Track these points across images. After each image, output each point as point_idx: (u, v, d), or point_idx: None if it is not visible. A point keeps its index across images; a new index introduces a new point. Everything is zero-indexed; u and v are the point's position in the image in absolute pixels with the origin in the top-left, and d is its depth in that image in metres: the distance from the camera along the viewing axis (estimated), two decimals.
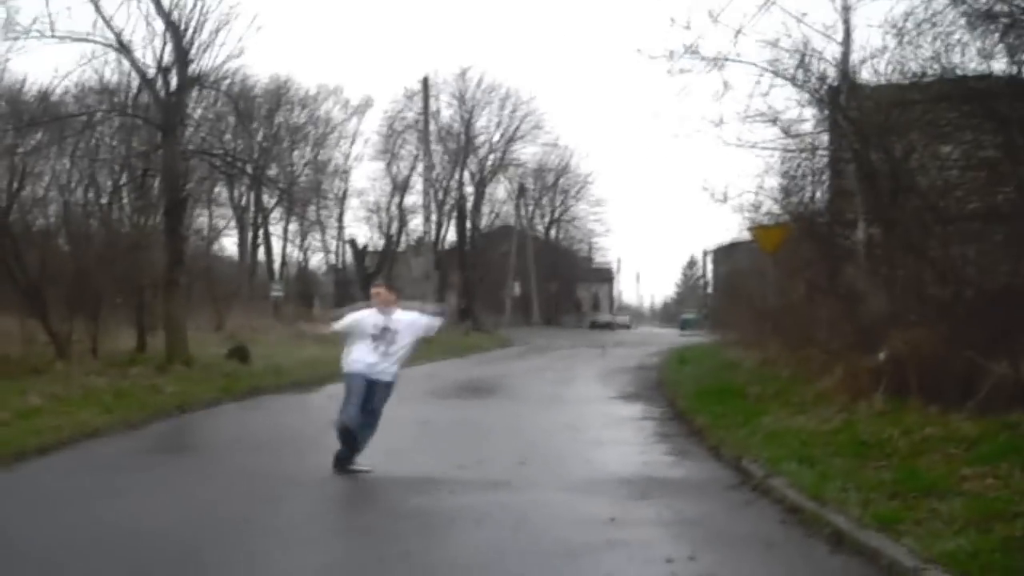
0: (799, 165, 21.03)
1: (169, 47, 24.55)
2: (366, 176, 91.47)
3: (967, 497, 8.30)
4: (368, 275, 57.94)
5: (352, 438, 11.29)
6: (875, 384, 13.71)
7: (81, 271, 23.42)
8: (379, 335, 11.56)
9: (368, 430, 11.46)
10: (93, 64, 26.44)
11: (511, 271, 77.50)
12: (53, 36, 23.15)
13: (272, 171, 49.75)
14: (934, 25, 14.64)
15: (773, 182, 22.49)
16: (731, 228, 76.09)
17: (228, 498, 10.05)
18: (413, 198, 69.23)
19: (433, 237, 63.67)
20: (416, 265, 51.70)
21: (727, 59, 17.68)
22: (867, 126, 16.62)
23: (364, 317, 11.84)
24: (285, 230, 69.36)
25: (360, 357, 11.50)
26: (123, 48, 24.40)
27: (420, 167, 64.04)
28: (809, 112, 19.41)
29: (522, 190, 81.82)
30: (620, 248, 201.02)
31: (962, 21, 14.29)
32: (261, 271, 66.25)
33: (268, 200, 62.33)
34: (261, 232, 67.20)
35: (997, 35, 14.02)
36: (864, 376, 14.23)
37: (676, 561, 7.24)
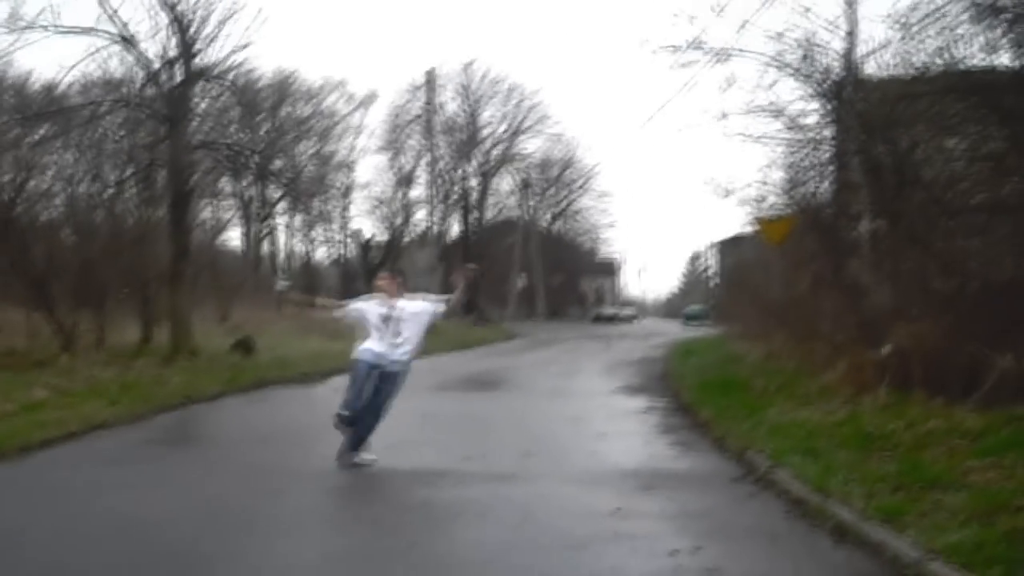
0: (804, 158, 20.99)
1: (174, 40, 24.61)
2: (371, 169, 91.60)
3: (971, 490, 8.31)
4: (373, 268, 57.95)
5: (351, 423, 11.29)
6: (879, 377, 13.72)
7: (87, 263, 23.46)
8: (384, 323, 11.57)
9: (374, 420, 11.46)
10: (98, 57, 26.31)
11: (516, 264, 77.52)
12: (58, 29, 23.25)
13: (277, 164, 49.70)
14: (939, 18, 14.62)
15: (778, 175, 22.45)
16: (736, 221, 76.15)
17: (233, 490, 10.08)
18: (418, 191, 69.26)
19: (438, 230, 63.82)
20: (421, 258, 51.83)
21: (732, 52, 17.71)
22: (872, 119, 16.61)
23: (368, 305, 11.87)
24: (290, 222, 69.56)
25: (368, 346, 11.51)
26: (128, 41, 24.45)
27: (425, 160, 64.24)
28: (814, 105, 19.37)
29: (527, 183, 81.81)
30: (625, 241, 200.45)
31: (967, 14, 14.26)
32: (266, 263, 66.28)
33: (273, 193, 62.36)
34: (266, 224, 67.23)
35: (1002, 28, 13.99)
36: (869, 369, 14.24)
37: (681, 553, 7.25)
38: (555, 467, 11.38)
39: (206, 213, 49.72)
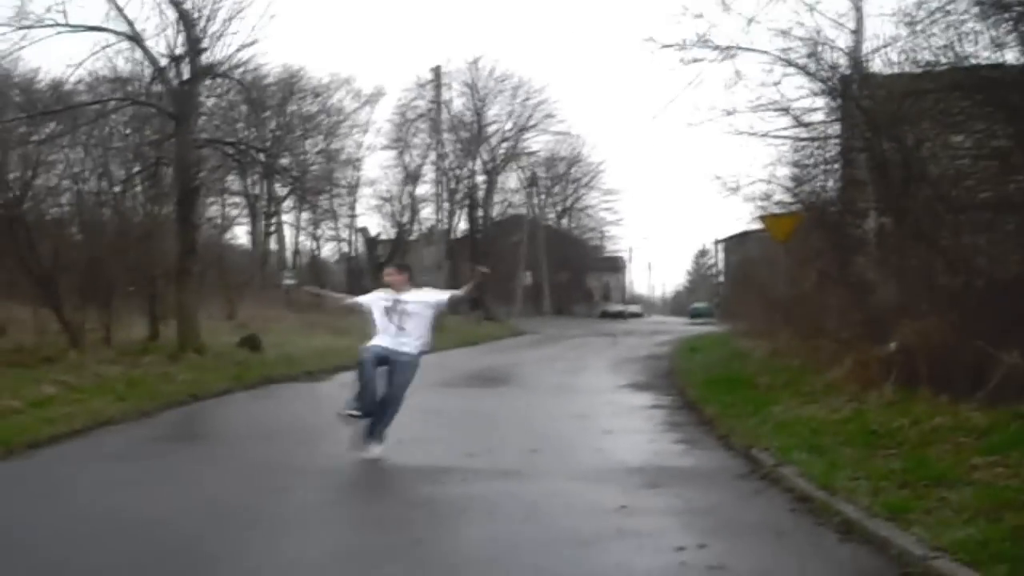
0: (810, 154, 21.00)
1: (181, 37, 24.64)
2: (378, 165, 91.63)
3: (977, 486, 8.30)
4: (380, 264, 58.02)
5: (368, 415, 11.40)
6: (885, 374, 13.71)
7: (94, 260, 23.50)
8: (388, 315, 11.68)
9: (391, 411, 11.55)
10: (106, 54, 26.35)
11: (522, 260, 77.51)
12: (66, 26, 23.27)
13: (284, 160, 49.68)
14: (946, 14, 14.64)
15: (784, 171, 22.47)
16: (742, 217, 76.03)
17: (238, 487, 10.10)
18: (425, 187, 69.21)
19: (445, 226, 63.79)
20: (428, 254, 51.83)
21: (739, 48, 17.71)
22: (879, 115, 16.60)
23: (375, 297, 12.05)
24: (297, 219, 69.57)
25: (373, 343, 11.62)
26: (135, 38, 24.48)
27: (432, 156, 64.16)
28: (821, 101, 19.38)
29: (533, 179, 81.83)
30: (631, 237, 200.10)
31: (974, 10, 14.28)
32: (273, 260, 66.33)
33: (280, 189, 62.39)
34: (273, 221, 67.31)
35: (1009, 25, 13.99)
36: (874, 366, 14.23)
37: (686, 550, 7.25)
38: (561, 464, 11.38)
39: (213, 210, 49.85)
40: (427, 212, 68.74)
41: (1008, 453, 9.26)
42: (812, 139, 20.20)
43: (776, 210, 22.63)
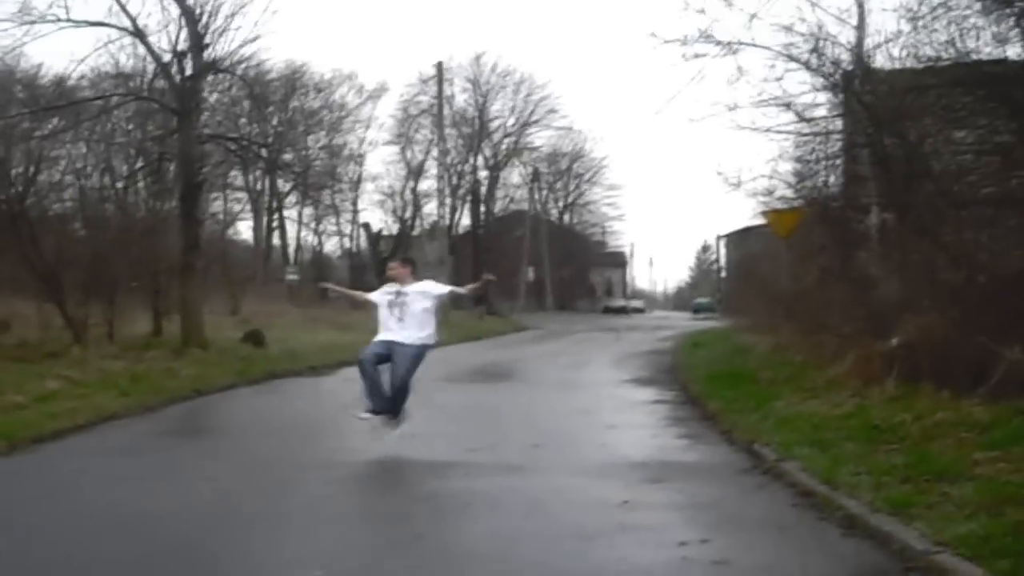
0: (813, 150, 20.96)
1: (184, 32, 24.65)
2: (381, 161, 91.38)
3: (979, 482, 8.31)
4: (383, 259, 58.05)
5: (388, 410, 11.61)
6: (887, 369, 13.71)
7: (97, 256, 23.52)
8: (390, 307, 11.85)
9: (400, 398, 11.71)
10: (108, 49, 26.40)
11: (525, 256, 77.52)
12: (68, 21, 23.26)
13: (287, 156, 49.72)
14: (949, 10, 14.62)
15: (787, 167, 22.43)
16: (745, 213, 76.10)
17: (241, 482, 10.13)
18: (427, 183, 69.30)
19: (447, 222, 63.78)
20: (430, 250, 51.73)
21: (741, 44, 17.66)
22: (881, 111, 16.58)
23: (383, 288, 12.29)
24: (300, 215, 69.60)
25: (378, 337, 11.78)
26: (138, 33, 24.50)
27: (435, 152, 64.09)
28: (823, 97, 19.33)
29: (536, 175, 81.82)
30: (634, 233, 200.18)
31: (977, 6, 14.27)
32: (276, 256, 66.39)
33: (283, 185, 62.45)
34: (276, 217, 67.38)
35: (1012, 20, 13.99)
36: (876, 361, 14.23)
37: (689, 544, 7.27)
38: (564, 459, 11.40)
39: (216, 206, 49.91)
40: (429, 208, 68.86)
41: (1010, 448, 9.27)
42: (814, 135, 20.16)
43: (778, 206, 22.64)
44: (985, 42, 14.44)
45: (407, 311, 11.76)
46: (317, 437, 13.08)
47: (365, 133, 70.88)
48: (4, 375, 16.57)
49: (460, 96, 72.16)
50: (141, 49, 25.51)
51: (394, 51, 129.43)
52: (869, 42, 17.93)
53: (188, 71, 25.12)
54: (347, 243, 73.22)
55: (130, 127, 29.64)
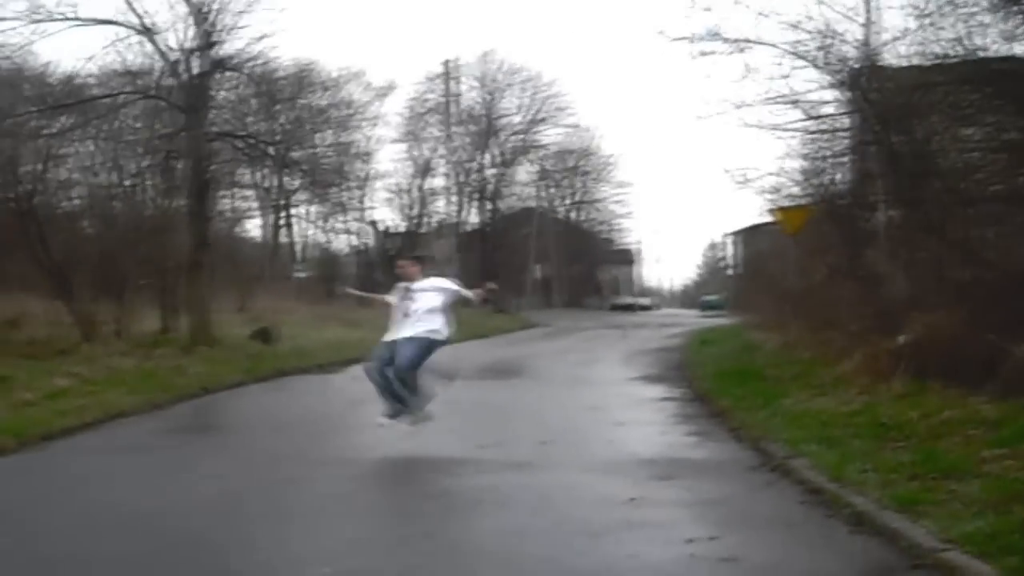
0: (821, 148, 20.98)
1: (193, 31, 24.70)
2: (389, 159, 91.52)
3: (987, 479, 8.31)
4: (391, 257, 58.05)
5: (403, 407, 11.68)
6: (895, 366, 13.70)
7: (106, 253, 23.59)
8: (402, 299, 11.97)
9: (403, 383, 11.76)
10: (117, 48, 26.44)
11: (533, 253, 77.46)
12: (77, 19, 23.35)
13: (295, 153, 49.68)
14: (956, 7, 14.61)
15: (795, 164, 22.45)
16: (753, 210, 76.02)
17: (249, 479, 10.16)
18: (436, 181, 69.23)
19: (455, 219, 63.82)
20: (439, 247, 51.83)
21: (749, 41, 17.69)
22: (889, 108, 16.58)
23: (397, 287, 12.32)
24: (308, 212, 69.58)
25: (386, 337, 11.82)
26: (146, 32, 24.55)
27: (443, 150, 64.24)
28: (831, 95, 19.35)
29: (544, 172, 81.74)
30: (642, 230, 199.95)
31: (984, 3, 14.25)
32: (284, 253, 66.36)
33: (291, 182, 62.37)
34: (284, 214, 67.33)
35: (1020, 17, 13.97)
36: (884, 358, 14.22)
37: (697, 541, 7.28)
38: (572, 456, 11.42)
39: (224, 203, 49.87)
40: (438, 205, 68.89)
41: (1018, 446, 9.25)
42: (822, 132, 20.18)
43: (787, 203, 22.63)
44: (993, 39, 14.44)
45: (416, 308, 11.81)
46: (325, 434, 13.11)
47: (373, 131, 70.86)
48: (14, 372, 16.64)
49: (468, 94, 72.11)
50: (149, 47, 25.54)
51: (402, 49, 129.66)
52: (877, 39, 17.95)
53: (196, 69, 25.17)
54: (355, 241, 73.25)
55: (139, 125, 29.60)
